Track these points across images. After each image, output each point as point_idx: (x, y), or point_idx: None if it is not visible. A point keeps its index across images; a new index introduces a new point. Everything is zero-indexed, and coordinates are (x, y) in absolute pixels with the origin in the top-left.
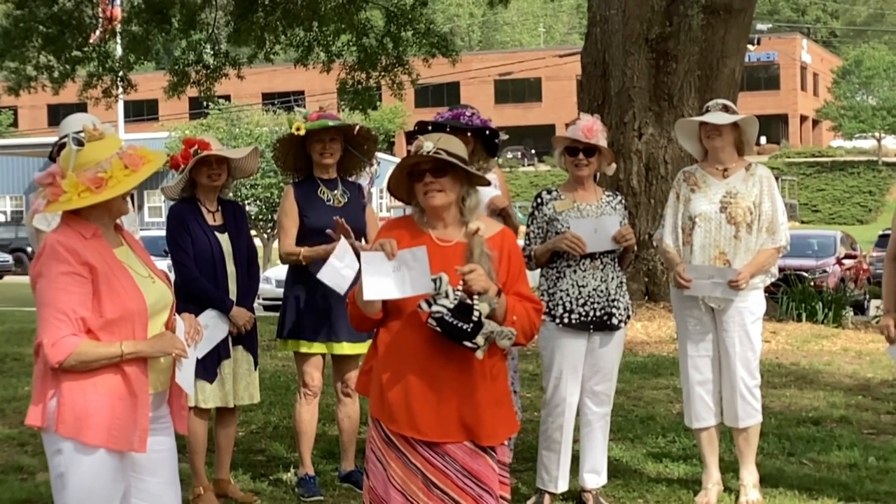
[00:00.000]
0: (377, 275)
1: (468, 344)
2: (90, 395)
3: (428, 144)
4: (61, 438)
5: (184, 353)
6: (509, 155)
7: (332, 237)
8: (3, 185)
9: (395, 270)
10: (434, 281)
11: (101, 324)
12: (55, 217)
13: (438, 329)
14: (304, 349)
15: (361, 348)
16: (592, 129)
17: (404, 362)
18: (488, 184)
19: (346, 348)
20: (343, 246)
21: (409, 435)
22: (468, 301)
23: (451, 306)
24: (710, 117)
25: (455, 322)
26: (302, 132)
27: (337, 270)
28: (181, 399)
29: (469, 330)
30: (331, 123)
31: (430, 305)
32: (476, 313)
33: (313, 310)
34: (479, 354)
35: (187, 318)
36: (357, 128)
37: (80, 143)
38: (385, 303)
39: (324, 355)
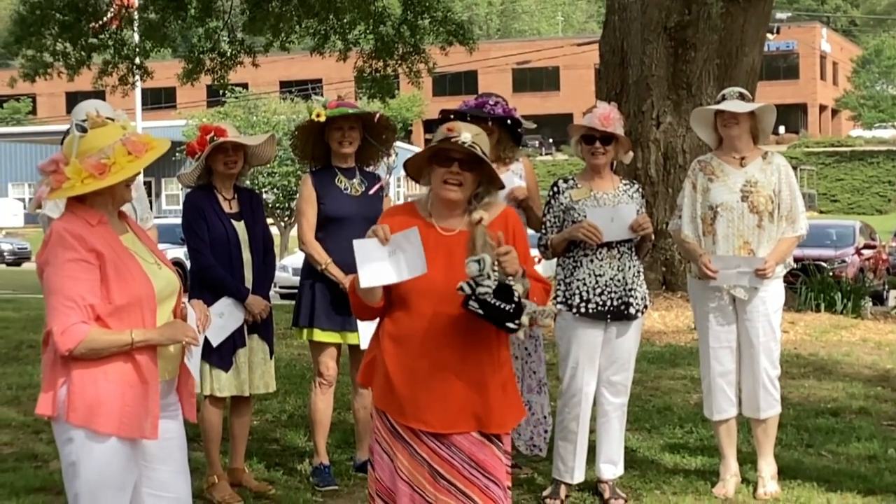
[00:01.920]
0: (372, 261)
1: (511, 325)
2: (101, 383)
3: (466, 135)
4: (72, 427)
5: (195, 341)
6: (527, 144)
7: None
8: (21, 173)
9: (390, 255)
10: (478, 262)
11: (110, 310)
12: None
13: (480, 312)
14: (318, 338)
15: None
16: (609, 117)
17: (410, 352)
18: (502, 186)
19: (360, 338)
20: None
21: (417, 427)
22: (507, 282)
23: (494, 287)
24: (727, 105)
25: (498, 303)
26: (322, 119)
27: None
28: (189, 386)
29: (511, 311)
30: (350, 111)
31: (472, 288)
32: (515, 294)
33: (328, 298)
34: (521, 335)
35: (197, 305)
36: (377, 116)
37: (83, 130)
38: (387, 293)
39: (339, 345)
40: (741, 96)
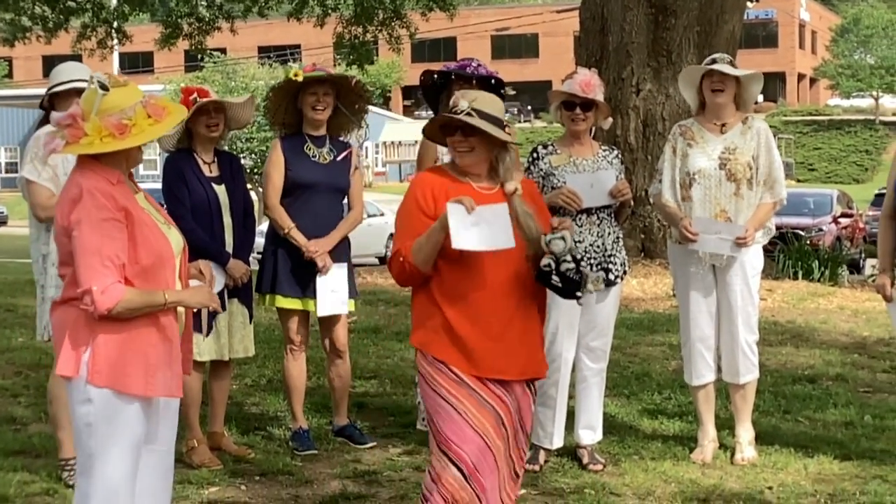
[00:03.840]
0: (463, 227)
1: (578, 294)
2: (125, 343)
3: (463, 103)
4: (94, 387)
5: (220, 307)
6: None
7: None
8: None
9: (473, 225)
10: (562, 239)
11: (137, 270)
12: (45, 168)
13: (559, 286)
14: (279, 304)
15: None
16: (590, 83)
17: (477, 308)
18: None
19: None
20: (327, 279)
21: (494, 376)
22: (577, 256)
23: (573, 264)
24: (719, 66)
25: (574, 276)
26: (300, 78)
27: (332, 299)
28: (190, 343)
29: (580, 280)
30: (315, 75)
31: (556, 264)
32: (582, 265)
33: (291, 266)
34: (582, 301)
35: (206, 267)
36: (354, 80)
37: (104, 88)
38: (440, 258)
39: (306, 311)
40: (731, 63)
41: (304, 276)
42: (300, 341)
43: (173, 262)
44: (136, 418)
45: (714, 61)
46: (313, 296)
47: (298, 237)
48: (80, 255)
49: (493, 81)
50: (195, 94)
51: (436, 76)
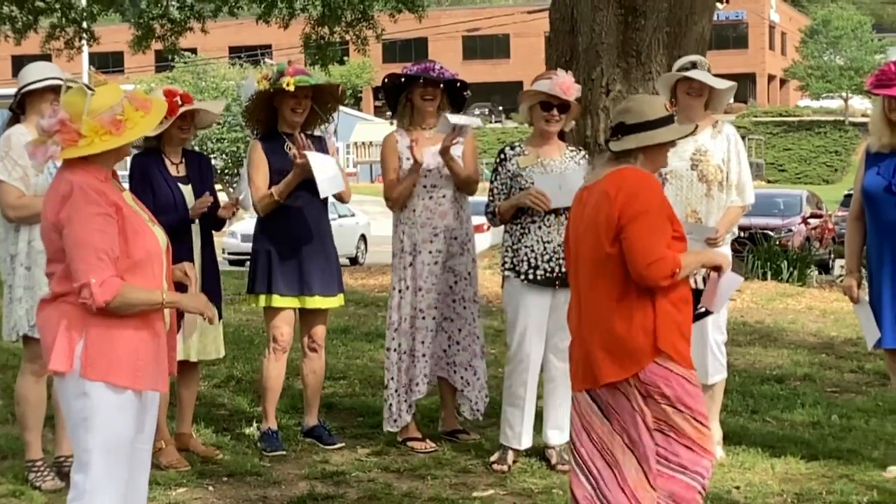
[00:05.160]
0: None
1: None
2: (116, 338)
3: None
4: (88, 381)
5: (215, 318)
6: (476, 112)
7: (293, 163)
8: None
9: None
10: None
11: (129, 265)
12: (15, 167)
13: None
14: (277, 303)
15: (332, 302)
16: (570, 85)
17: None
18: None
19: (318, 301)
20: (315, 159)
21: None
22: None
23: None
24: (698, 74)
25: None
26: (292, 88)
27: (330, 179)
28: (174, 342)
29: None
30: (313, 81)
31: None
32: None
33: (285, 263)
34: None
35: (190, 268)
36: (340, 89)
37: (90, 88)
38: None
39: (295, 310)
40: (708, 69)
41: (298, 273)
42: (285, 342)
43: (161, 258)
44: (131, 412)
45: (694, 65)
46: (311, 292)
47: (282, 184)
48: (74, 249)
49: (458, 84)
50: (178, 98)
51: (402, 80)
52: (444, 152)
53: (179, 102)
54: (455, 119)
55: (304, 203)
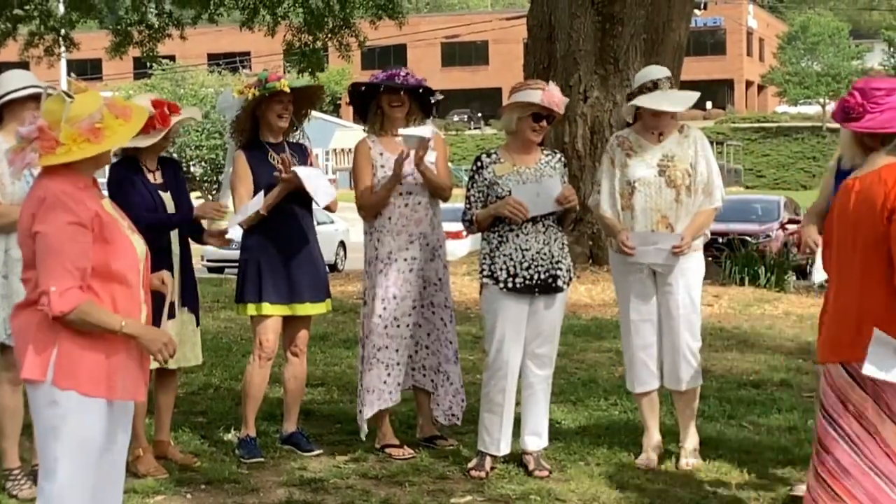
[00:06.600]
0: None
1: None
2: (91, 347)
3: None
4: (58, 390)
5: (168, 361)
6: (455, 118)
7: (278, 179)
8: None
9: None
10: None
11: (106, 273)
12: None
13: None
14: (267, 311)
15: (320, 308)
16: (561, 100)
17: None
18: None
19: (308, 308)
20: (303, 173)
21: None
22: None
23: None
24: (663, 98)
25: None
26: (287, 88)
27: (324, 189)
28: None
29: None
30: (301, 83)
31: None
32: None
33: (275, 272)
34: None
35: (167, 276)
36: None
37: (69, 96)
38: None
39: (284, 317)
40: (671, 84)
41: (287, 282)
42: (271, 349)
43: (138, 266)
44: (102, 421)
45: (655, 85)
46: (299, 299)
47: (269, 197)
48: (42, 256)
49: (421, 91)
50: (166, 108)
51: (364, 88)
52: (419, 165)
53: (168, 112)
54: (405, 132)
55: (290, 211)
